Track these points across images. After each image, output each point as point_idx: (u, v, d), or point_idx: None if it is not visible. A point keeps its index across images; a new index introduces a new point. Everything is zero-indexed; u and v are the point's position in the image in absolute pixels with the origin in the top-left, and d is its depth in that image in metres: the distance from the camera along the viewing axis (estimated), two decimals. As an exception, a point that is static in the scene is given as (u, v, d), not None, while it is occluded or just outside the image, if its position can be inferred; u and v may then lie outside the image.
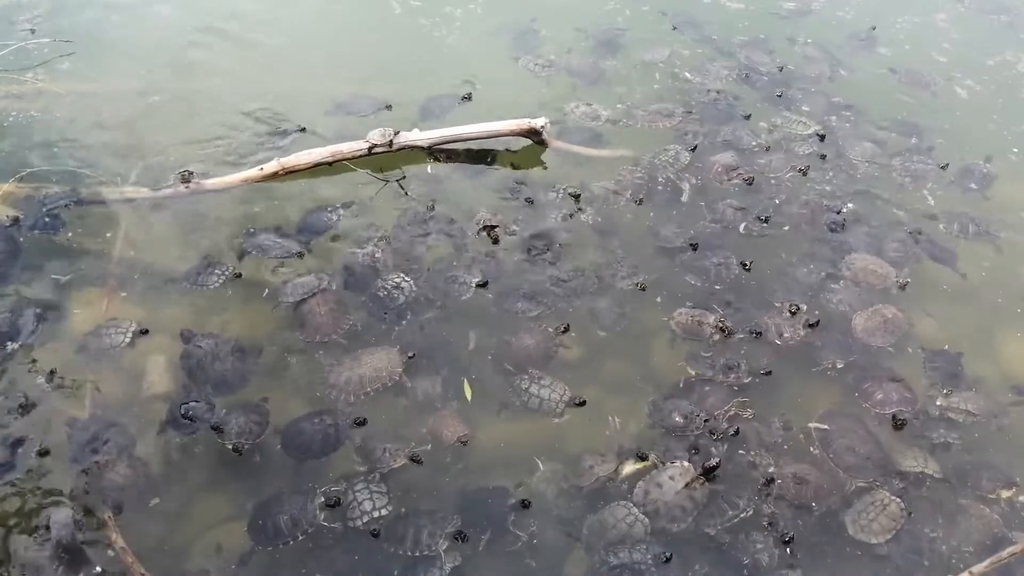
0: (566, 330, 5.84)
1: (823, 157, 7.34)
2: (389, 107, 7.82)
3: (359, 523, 4.72)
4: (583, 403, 5.38)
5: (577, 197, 6.91)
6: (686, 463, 5.04)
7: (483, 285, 6.11)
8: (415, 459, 5.04)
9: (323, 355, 5.65)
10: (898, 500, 4.92)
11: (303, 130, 7.49)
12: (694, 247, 6.32)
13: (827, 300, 6.21)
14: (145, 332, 5.69)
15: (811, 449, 5.23)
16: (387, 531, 4.73)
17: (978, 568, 4.67)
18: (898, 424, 5.31)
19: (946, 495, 5.08)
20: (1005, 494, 5.02)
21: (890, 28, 9.38)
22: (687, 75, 8.40)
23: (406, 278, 6.11)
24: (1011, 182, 7.43)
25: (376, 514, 4.75)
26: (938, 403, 5.46)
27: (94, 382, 5.39)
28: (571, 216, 6.74)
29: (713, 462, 4.96)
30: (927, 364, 5.76)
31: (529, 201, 6.84)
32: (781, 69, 8.50)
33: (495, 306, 6.04)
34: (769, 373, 5.65)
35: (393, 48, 8.64)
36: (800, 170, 7.20)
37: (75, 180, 6.72)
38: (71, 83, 7.74)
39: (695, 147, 7.40)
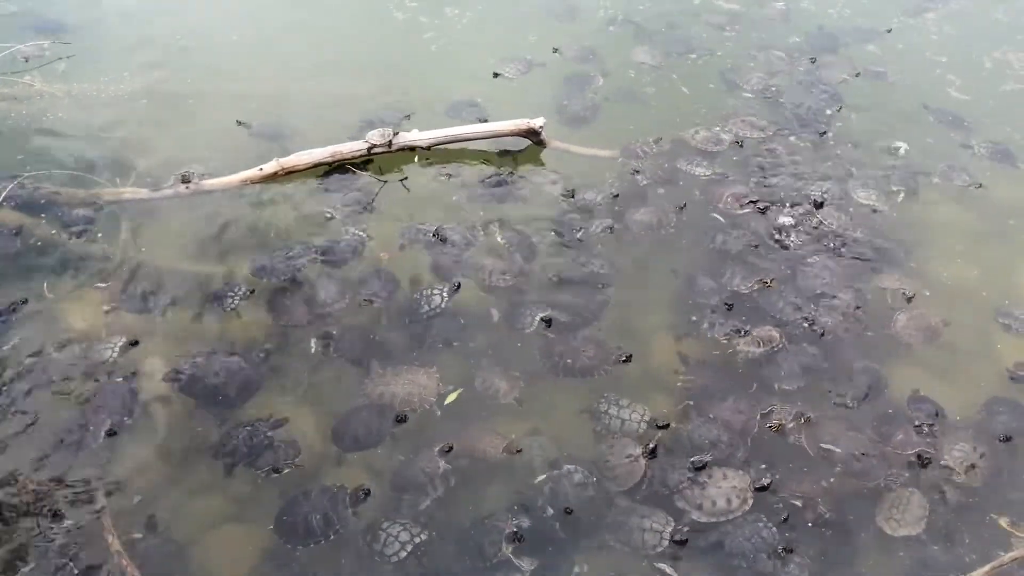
0: (628, 359, 5.72)
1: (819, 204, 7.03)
2: (408, 117, 7.79)
3: (401, 555, 4.61)
4: (667, 426, 5.27)
5: (616, 196, 6.94)
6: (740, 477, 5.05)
7: (548, 322, 5.91)
8: (447, 449, 5.04)
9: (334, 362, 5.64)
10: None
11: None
12: (729, 307, 6.09)
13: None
14: (135, 344, 5.64)
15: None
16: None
17: (978, 573, 4.68)
18: (924, 463, 5.21)
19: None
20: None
21: (882, 25, 9.46)
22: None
23: (442, 291, 6.06)
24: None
25: (417, 540, 4.66)
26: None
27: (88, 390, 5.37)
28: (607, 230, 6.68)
29: (765, 482, 4.99)
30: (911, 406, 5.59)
31: (580, 240, 6.61)
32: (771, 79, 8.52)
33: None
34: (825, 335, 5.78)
35: (399, 52, 8.71)
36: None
37: (74, 182, 6.72)
38: (70, 84, 7.76)
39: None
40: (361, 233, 6.56)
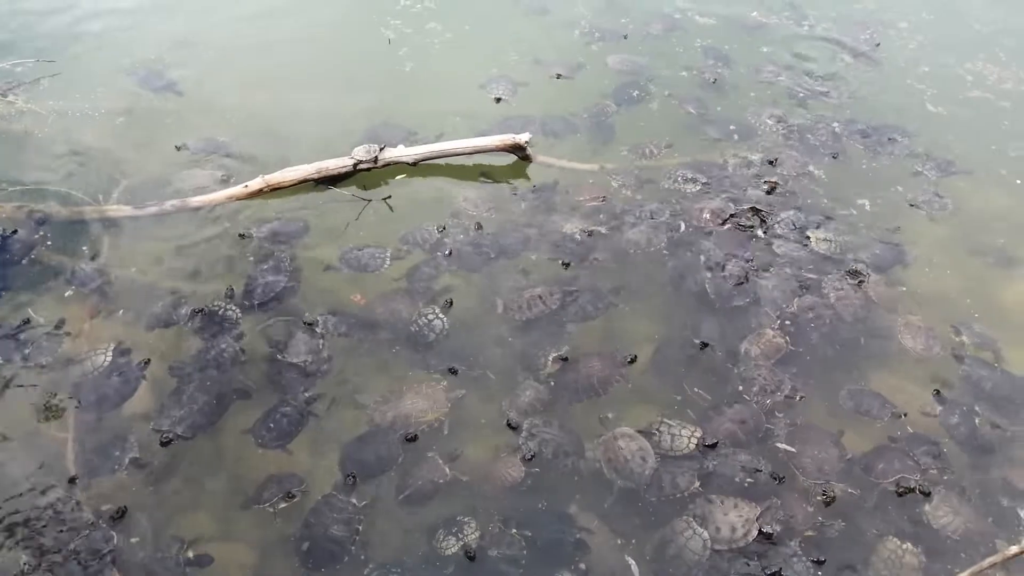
0: (632, 361, 5.79)
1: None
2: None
3: None
4: (715, 445, 5.30)
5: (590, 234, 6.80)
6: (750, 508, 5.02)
7: (565, 359, 5.82)
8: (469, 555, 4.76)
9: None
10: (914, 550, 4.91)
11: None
12: (704, 345, 5.97)
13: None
14: (127, 351, 5.64)
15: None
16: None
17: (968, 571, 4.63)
18: (900, 492, 5.17)
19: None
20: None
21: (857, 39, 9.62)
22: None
23: (439, 314, 6.01)
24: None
25: None
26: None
27: (75, 402, 5.35)
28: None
29: (768, 530, 4.91)
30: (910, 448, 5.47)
31: (566, 265, 6.51)
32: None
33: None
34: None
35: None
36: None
37: (58, 199, 6.71)
38: (53, 102, 7.75)
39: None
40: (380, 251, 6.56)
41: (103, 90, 8.02)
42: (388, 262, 6.46)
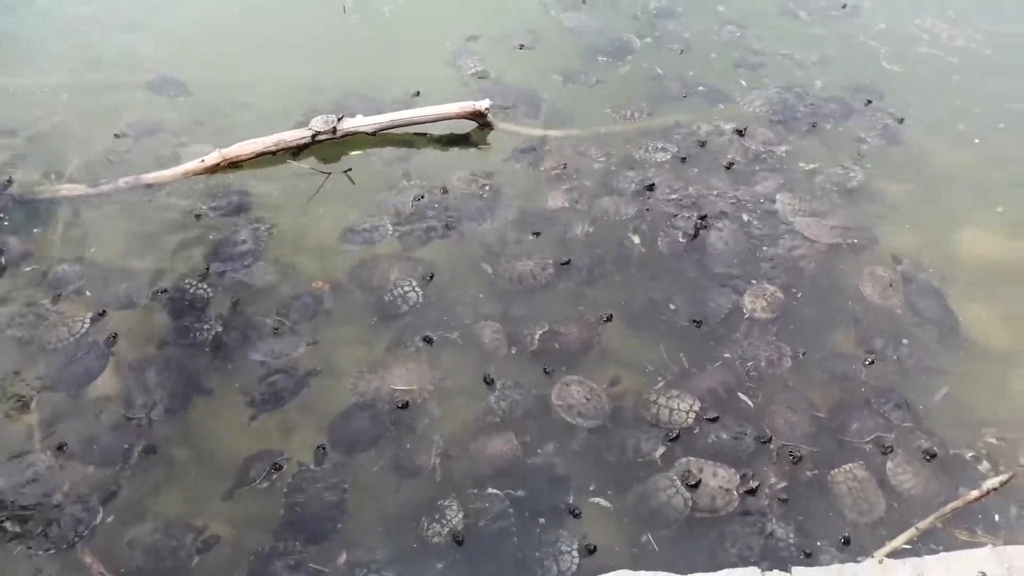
0: (609, 319, 5.83)
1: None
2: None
3: None
4: (716, 419, 5.27)
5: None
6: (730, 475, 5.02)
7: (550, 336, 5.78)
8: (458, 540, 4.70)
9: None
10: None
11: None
12: (698, 323, 5.93)
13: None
14: (102, 314, 5.62)
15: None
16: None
17: (923, 523, 4.78)
18: (885, 451, 5.22)
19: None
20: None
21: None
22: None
23: (416, 287, 5.96)
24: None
25: None
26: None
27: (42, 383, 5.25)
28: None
29: (753, 485, 4.94)
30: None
31: (536, 234, 6.49)
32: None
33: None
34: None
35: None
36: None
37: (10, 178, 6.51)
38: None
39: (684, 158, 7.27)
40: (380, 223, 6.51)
41: (48, 65, 7.73)
42: (391, 230, 6.44)
